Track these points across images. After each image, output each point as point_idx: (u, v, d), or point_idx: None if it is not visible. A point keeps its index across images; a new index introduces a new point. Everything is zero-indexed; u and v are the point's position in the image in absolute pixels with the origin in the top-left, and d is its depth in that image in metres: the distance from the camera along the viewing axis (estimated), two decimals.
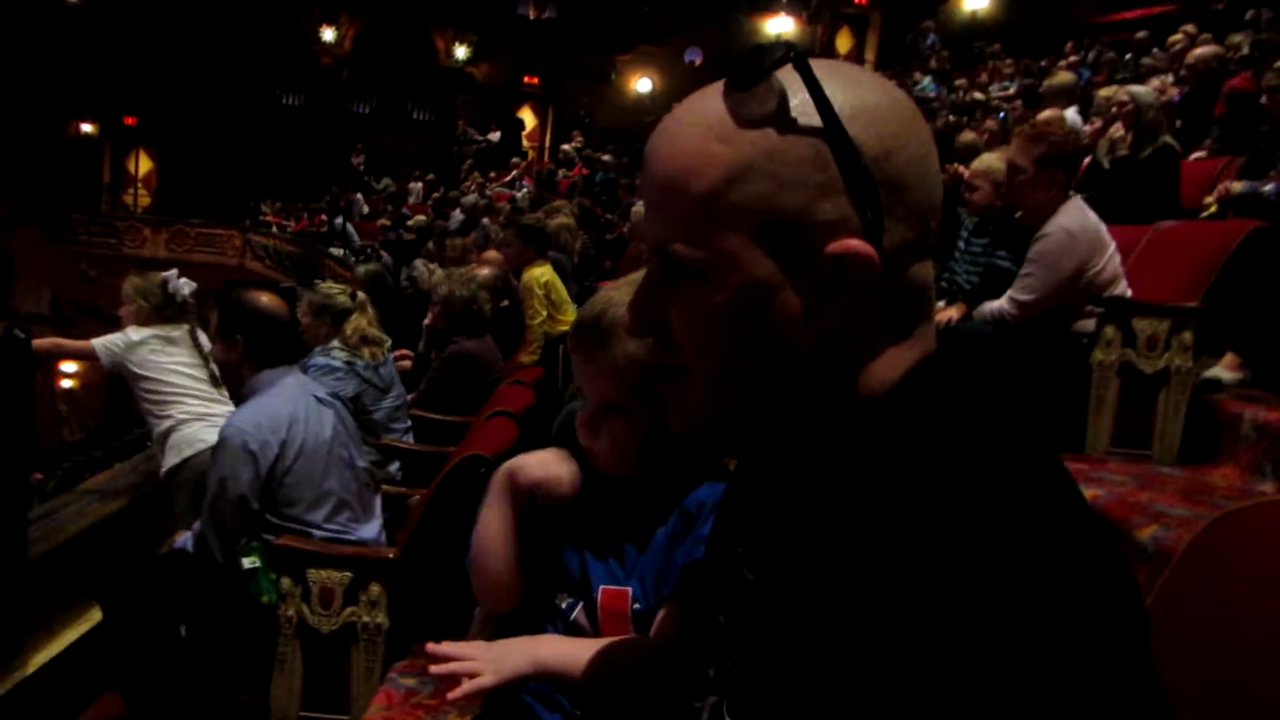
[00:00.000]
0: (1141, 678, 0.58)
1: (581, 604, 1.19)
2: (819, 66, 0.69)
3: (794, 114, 0.68)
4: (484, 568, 1.27)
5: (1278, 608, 0.99)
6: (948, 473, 0.63)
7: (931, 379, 0.72)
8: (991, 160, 3.85)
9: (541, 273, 4.80)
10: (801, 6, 22.15)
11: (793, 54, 0.69)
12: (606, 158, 15.39)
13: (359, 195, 17.32)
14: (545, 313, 4.69)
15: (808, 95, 0.68)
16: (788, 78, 0.69)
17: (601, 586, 1.18)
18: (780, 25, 22.23)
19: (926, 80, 15.40)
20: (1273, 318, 3.31)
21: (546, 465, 1.24)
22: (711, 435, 0.77)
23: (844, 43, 22.28)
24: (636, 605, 1.16)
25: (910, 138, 0.70)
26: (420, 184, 17.40)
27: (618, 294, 1.19)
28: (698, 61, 22.23)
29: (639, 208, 6.91)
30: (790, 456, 0.75)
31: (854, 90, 0.69)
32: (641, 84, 22.70)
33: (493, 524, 1.27)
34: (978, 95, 11.96)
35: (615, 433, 1.19)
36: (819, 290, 0.69)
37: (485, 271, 4.91)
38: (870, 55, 21.83)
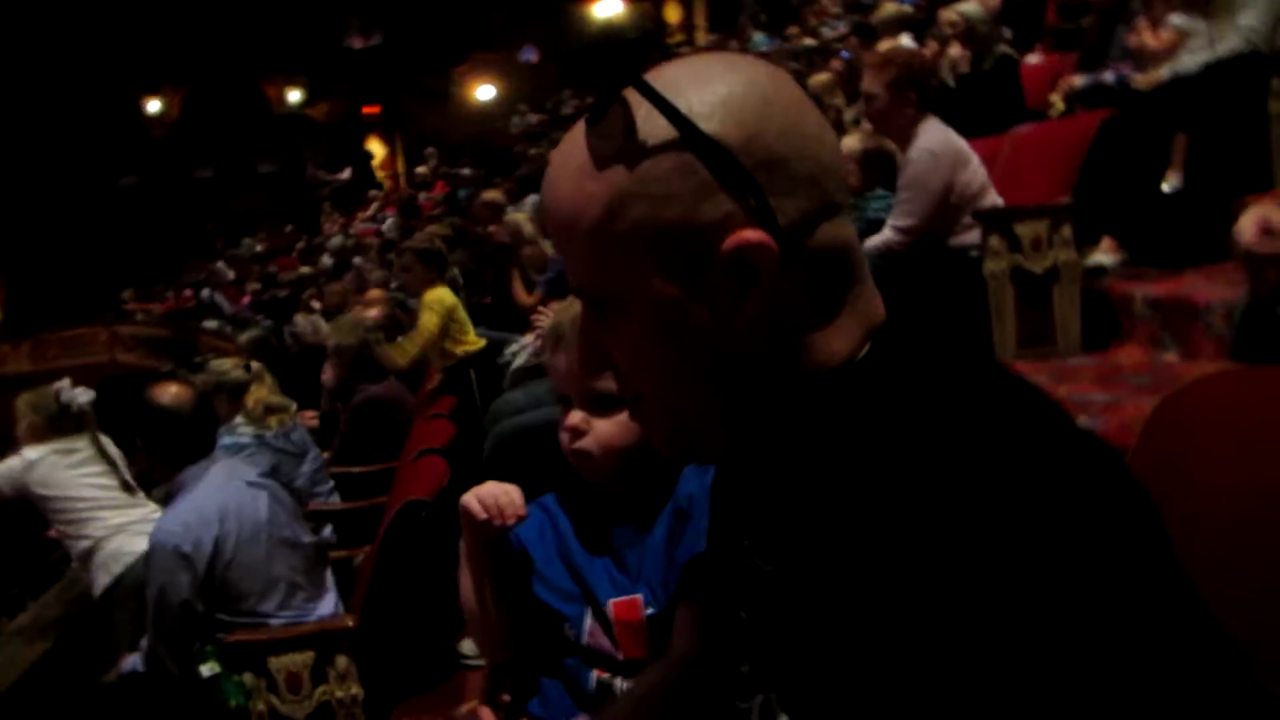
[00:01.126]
0: (1187, 605, 0.57)
1: (589, 613, 1.15)
2: (661, 75, 0.71)
3: (648, 133, 0.68)
4: (469, 619, 1.24)
5: (1238, 480, 1.02)
6: (940, 425, 0.63)
7: (891, 338, 0.73)
8: (850, 142, 3.90)
9: (444, 294, 4.72)
10: None
11: (631, 76, 0.70)
12: (466, 172, 15.20)
13: (221, 263, 16.76)
14: (436, 331, 4.62)
15: (655, 111, 0.68)
16: (636, 98, 0.69)
17: (610, 600, 1.14)
18: (608, 8, 22.31)
19: (759, 36, 15.65)
20: (1138, 198, 3.46)
21: (483, 494, 1.17)
22: (688, 451, 0.79)
23: (674, 13, 22.49)
24: (649, 610, 1.13)
25: (773, 112, 0.70)
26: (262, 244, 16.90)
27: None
28: (535, 59, 22.16)
29: (490, 192, 6.85)
30: (769, 449, 0.75)
31: (702, 87, 0.69)
32: (483, 92, 22.52)
33: (464, 571, 1.23)
34: (809, 41, 12.19)
35: (606, 431, 1.15)
36: (731, 289, 0.69)
37: (373, 312, 4.80)
38: (700, 22, 22.09)
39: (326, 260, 12.67)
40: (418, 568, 2.96)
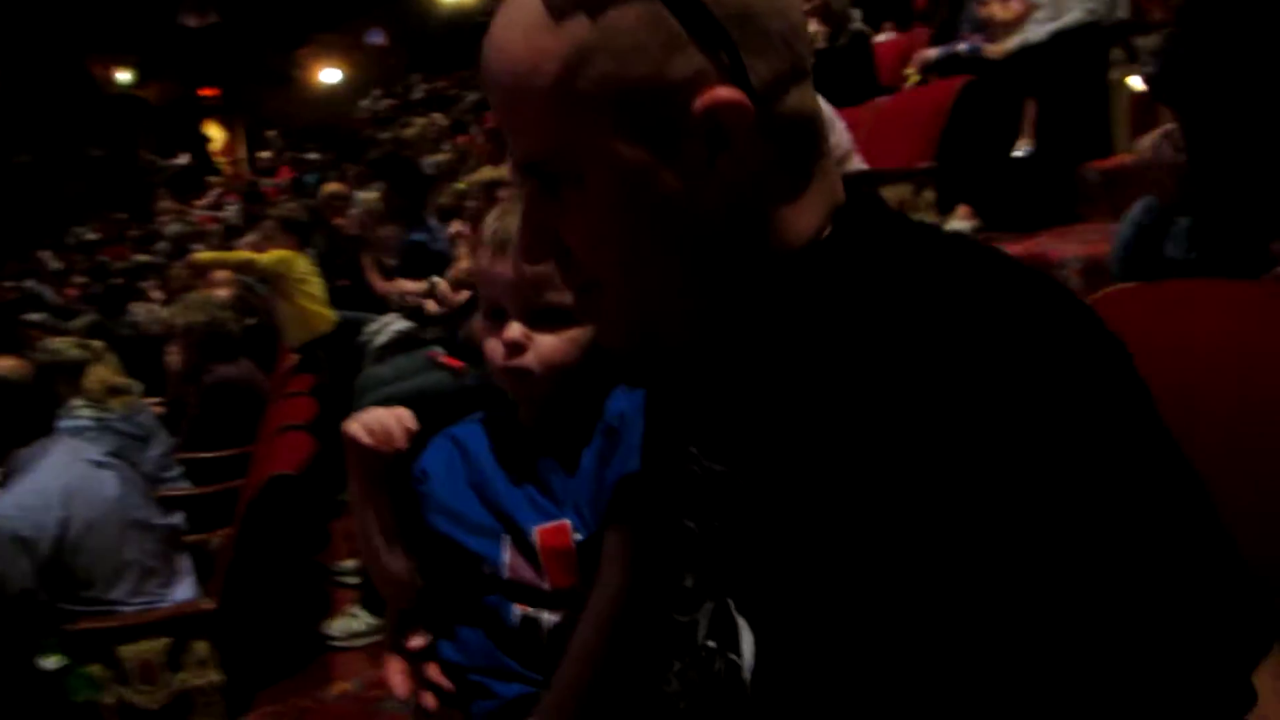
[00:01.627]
0: (1174, 457, 0.56)
1: (507, 544, 1.06)
2: None
3: None
4: (368, 562, 1.15)
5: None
6: (916, 306, 0.60)
7: (852, 217, 0.69)
8: None
9: (298, 263, 4.51)
10: None
11: None
12: (313, 156, 14.63)
13: (48, 251, 15.61)
14: (275, 265, 4.42)
15: None
16: None
17: (536, 527, 1.06)
18: None
19: None
20: (992, 164, 3.59)
21: (368, 419, 1.07)
22: (644, 343, 0.73)
23: None
24: (578, 536, 1.05)
25: None
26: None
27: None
28: (382, 42, 21.51)
29: (333, 185, 6.59)
30: (736, 333, 0.70)
31: None
32: (328, 75, 21.75)
33: (357, 511, 1.13)
34: None
35: (549, 346, 1.06)
36: (701, 154, 0.64)
37: (223, 291, 4.53)
38: None
39: (163, 247, 11.98)
40: (281, 547, 2.81)
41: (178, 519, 3.54)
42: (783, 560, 0.65)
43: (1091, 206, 3.35)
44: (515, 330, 1.05)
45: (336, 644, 2.93)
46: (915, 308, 0.59)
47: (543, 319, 1.05)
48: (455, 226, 3.93)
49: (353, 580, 3.26)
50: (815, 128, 0.68)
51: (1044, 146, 3.54)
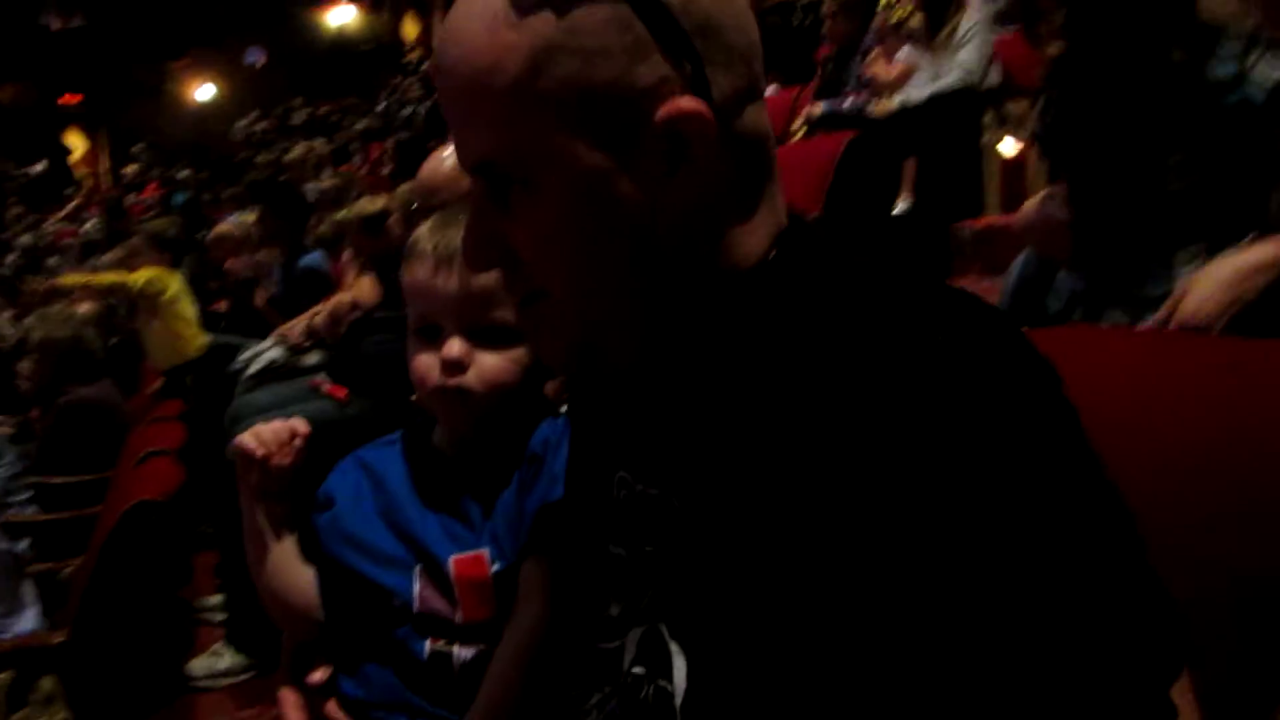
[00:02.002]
0: (1103, 484, 0.58)
1: (418, 575, 1.01)
2: None
3: None
4: (261, 590, 1.08)
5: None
6: (861, 332, 0.60)
7: (800, 238, 0.70)
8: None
9: (170, 283, 4.30)
10: None
11: None
12: (184, 175, 14.07)
13: None
14: (141, 285, 4.21)
15: None
16: None
17: (452, 557, 1.00)
18: (342, 15, 21.55)
19: None
20: (873, 218, 3.72)
21: (262, 430, 1.03)
22: (589, 357, 0.72)
23: (411, 29, 22.04)
24: (495, 566, 1.00)
25: None
26: None
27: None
28: (261, 61, 20.96)
29: (224, 225, 6.32)
30: (673, 358, 0.70)
31: None
32: (203, 91, 21.01)
33: (250, 536, 1.07)
34: None
35: (491, 366, 1.01)
36: (659, 165, 0.63)
37: (86, 307, 4.30)
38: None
39: (14, 260, 11.31)
40: (142, 580, 2.65)
41: (23, 546, 3.32)
42: (719, 584, 0.64)
43: (966, 263, 3.51)
44: (456, 347, 1.00)
45: (199, 684, 2.79)
46: (857, 334, 0.60)
47: (486, 337, 1.01)
48: (346, 255, 3.84)
49: (218, 617, 3.12)
50: (767, 148, 0.69)
51: (922, 204, 3.70)
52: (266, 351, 3.98)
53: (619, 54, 0.61)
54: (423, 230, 1.06)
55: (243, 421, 2.90)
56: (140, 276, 4.35)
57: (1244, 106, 1.35)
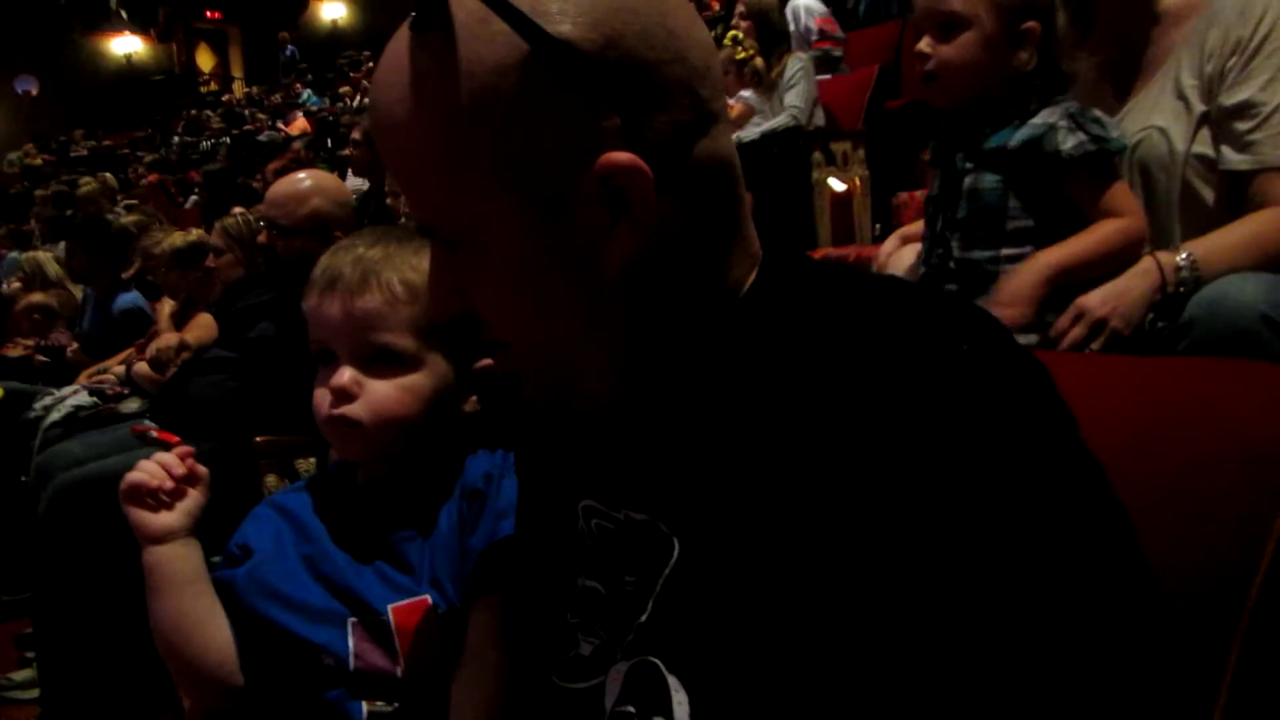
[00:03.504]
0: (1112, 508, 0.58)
1: (352, 629, 0.92)
2: None
3: (486, 40, 0.58)
4: (167, 656, 0.95)
5: None
6: (858, 343, 0.59)
7: (781, 261, 0.69)
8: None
9: None
10: (147, 24, 20.45)
11: None
12: None
13: None
14: None
15: (492, 14, 0.58)
16: (467, 3, 0.58)
17: (391, 605, 0.92)
18: (127, 45, 20.36)
19: (307, 93, 15.22)
20: None
21: (144, 464, 0.96)
22: (561, 397, 0.70)
23: (206, 60, 21.06)
24: (440, 609, 0.92)
25: (630, 8, 0.59)
26: None
27: (359, 241, 0.98)
28: (34, 91, 19.47)
29: (43, 254, 5.79)
30: (662, 385, 0.67)
31: None
32: None
33: (153, 592, 0.95)
34: (368, 100, 12.10)
35: (381, 395, 0.94)
36: (600, 217, 0.60)
37: None
38: (238, 71, 20.94)
39: None
40: None
41: None
42: (724, 613, 0.61)
43: None
44: (345, 375, 0.94)
45: None
46: (853, 349, 0.58)
47: (377, 361, 0.95)
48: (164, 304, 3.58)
49: (26, 695, 2.79)
50: (730, 174, 0.66)
51: (760, 238, 3.81)
52: (70, 398, 3.66)
53: (539, 116, 0.58)
54: (322, 258, 1.00)
55: (57, 474, 2.63)
56: None
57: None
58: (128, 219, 5.20)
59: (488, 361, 1.00)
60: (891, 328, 0.59)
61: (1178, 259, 1.36)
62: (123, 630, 2.36)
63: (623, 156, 0.58)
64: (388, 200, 3.98)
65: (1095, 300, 1.36)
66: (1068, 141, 1.43)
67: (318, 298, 0.97)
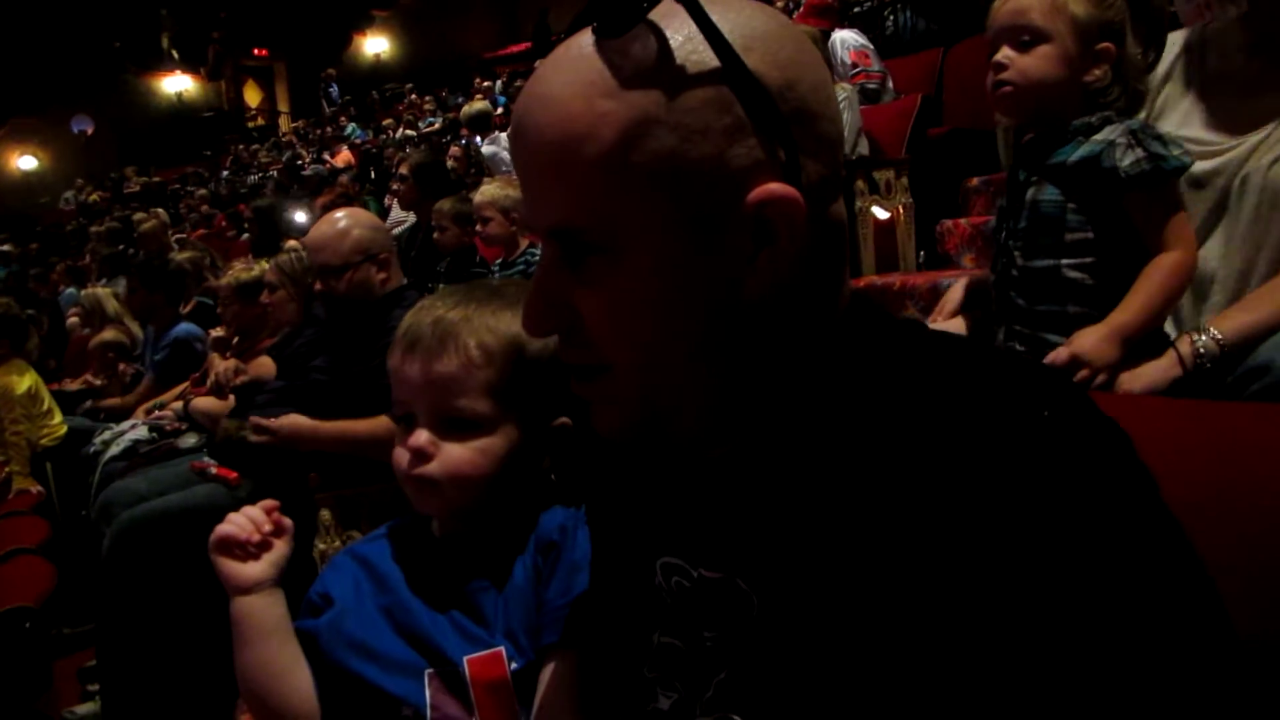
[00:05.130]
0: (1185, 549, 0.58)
1: (430, 680, 0.93)
2: None
3: (686, 53, 0.60)
4: (252, 699, 0.98)
5: None
6: (936, 396, 0.60)
7: (862, 315, 0.69)
8: (493, 191, 3.86)
9: (22, 379, 3.91)
10: (197, 63, 20.97)
11: None
12: (6, 248, 13.19)
13: None
14: (26, 425, 3.84)
15: (696, 30, 0.61)
16: (667, 12, 0.61)
17: (466, 657, 0.93)
18: (178, 84, 20.88)
19: (352, 126, 15.50)
20: None
21: (234, 518, 0.99)
22: (650, 431, 0.69)
23: (253, 96, 21.53)
24: (514, 665, 0.93)
25: (806, 63, 0.63)
26: None
27: (441, 302, 1.00)
28: (89, 130, 20.02)
29: (102, 290, 5.90)
30: (748, 432, 0.68)
31: (741, 17, 0.62)
32: (25, 161, 19.86)
33: (240, 643, 0.97)
34: (410, 133, 12.30)
35: (455, 456, 0.96)
36: (746, 246, 0.62)
37: None
38: (284, 106, 21.37)
39: None
40: (5, 696, 2.40)
41: None
42: (802, 671, 0.62)
43: None
44: (421, 437, 0.97)
45: None
46: (937, 411, 0.59)
47: (451, 426, 0.97)
48: (215, 331, 3.64)
49: None
50: (843, 235, 0.68)
51: None
52: (129, 432, 3.73)
53: (718, 133, 0.60)
54: (406, 316, 1.03)
55: (120, 511, 2.69)
56: (4, 403, 3.88)
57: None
58: (182, 255, 5.33)
59: (564, 420, 1.01)
60: (974, 392, 0.60)
61: (1194, 339, 1.36)
62: (185, 663, 2.41)
63: (783, 188, 0.60)
64: (435, 235, 4.02)
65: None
66: (1126, 159, 1.44)
67: (400, 359, 0.99)
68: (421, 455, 0.96)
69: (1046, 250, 1.52)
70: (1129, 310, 1.43)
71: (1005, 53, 1.54)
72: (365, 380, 2.32)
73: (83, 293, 5.81)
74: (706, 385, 0.66)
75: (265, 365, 2.97)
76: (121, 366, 4.47)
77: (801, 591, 0.62)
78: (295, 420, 2.38)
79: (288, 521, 1.01)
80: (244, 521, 0.99)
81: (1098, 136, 1.48)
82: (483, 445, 0.97)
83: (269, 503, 1.02)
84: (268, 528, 1.00)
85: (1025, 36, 1.52)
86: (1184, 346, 1.37)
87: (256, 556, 0.99)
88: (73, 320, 7.50)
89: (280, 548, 1.00)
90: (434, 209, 4.01)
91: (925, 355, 0.65)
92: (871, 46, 5.01)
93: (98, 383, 4.69)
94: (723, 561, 0.69)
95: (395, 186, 5.03)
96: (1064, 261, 1.50)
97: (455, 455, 0.97)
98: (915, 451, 0.58)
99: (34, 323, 6.20)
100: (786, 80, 0.61)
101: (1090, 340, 1.40)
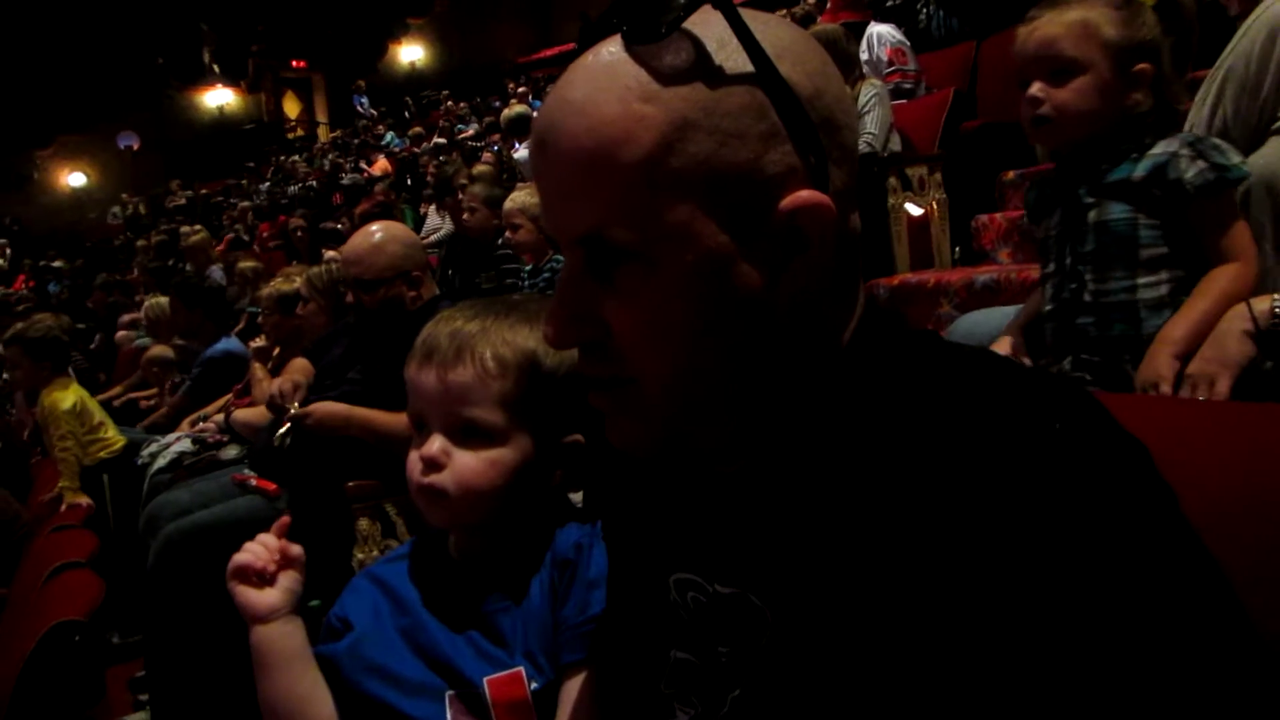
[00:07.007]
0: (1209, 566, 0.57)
1: (450, 702, 0.94)
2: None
3: (723, 59, 0.60)
4: None
5: None
6: (969, 413, 0.59)
7: (879, 325, 0.68)
8: (523, 198, 3.87)
9: (66, 395, 3.98)
10: (237, 76, 21.31)
11: None
12: (57, 264, 13.51)
13: None
14: (73, 441, 3.92)
15: (730, 35, 0.61)
16: (701, 19, 0.61)
17: (486, 678, 0.93)
18: (219, 97, 21.23)
19: (390, 134, 15.65)
20: None
21: (249, 546, 0.99)
22: (670, 446, 0.68)
23: (292, 107, 21.83)
24: (534, 685, 0.93)
25: (831, 74, 0.64)
26: None
27: (460, 314, 1.02)
28: (135, 146, 20.42)
29: (153, 301, 5.95)
30: (763, 447, 0.67)
31: (768, 27, 0.63)
32: (74, 178, 20.30)
33: (261, 671, 0.98)
34: (441, 140, 12.40)
35: (466, 466, 0.97)
36: (777, 253, 0.61)
37: None
38: (322, 116, 21.64)
39: None
40: (57, 705, 2.46)
41: None
42: (815, 685, 0.62)
43: None
44: (434, 445, 0.97)
45: None
46: (956, 424, 0.59)
47: (464, 435, 0.98)
48: (255, 341, 3.69)
49: None
50: (859, 247, 0.68)
51: None
52: (174, 444, 3.80)
53: (753, 139, 0.60)
54: (425, 327, 1.03)
55: (165, 523, 2.74)
56: (51, 421, 3.96)
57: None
58: (245, 265, 5.39)
59: (576, 437, 1.02)
60: (986, 406, 0.60)
61: (1273, 302, 1.33)
62: (230, 674, 2.45)
63: (815, 195, 0.60)
64: (464, 217, 3.97)
65: (1198, 365, 1.35)
66: (1189, 170, 1.42)
67: (416, 368, 1.00)
68: (433, 464, 0.97)
69: (1121, 271, 1.49)
70: (1181, 324, 1.40)
71: (1039, 87, 1.50)
72: (397, 391, 2.35)
73: (147, 303, 5.89)
74: (730, 399, 0.65)
75: (302, 368, 3.00)
76: (169, 383, 4.55)
77: (815, 607, 0.62)
78: (329, 406, 2.42)
79: (296, 549, 1.01)
80: (258, 549, 0.99)
81: (1155, 150, 1.45)
82: (494, 456, 0.97)
83: (282, 522, 1.02)
84: (278, 556, 0.99)
85: (1058, 68, 1.48)
86: (1261, 304, 1.34)
87: (272, 582, 0.99)
88: (122, 334, 7.65)
89: (293, 574, 1.00)
90: (466, 191, 4.01)
91: (938, 369, 0.64)
92: (908, 43, 4.94)
93: (145, 396, 4.78)
94: (737, 577, 0.69)
95: (463, 200, 4.56)
96: (1140, 280, 1.47)
97: (466, 465, 0.97)
98: (927, 468, 0.58)
99: (84, 337, 6.33)
100: (815, 89, 0.62)
101: (1144, 371, 1.39)
